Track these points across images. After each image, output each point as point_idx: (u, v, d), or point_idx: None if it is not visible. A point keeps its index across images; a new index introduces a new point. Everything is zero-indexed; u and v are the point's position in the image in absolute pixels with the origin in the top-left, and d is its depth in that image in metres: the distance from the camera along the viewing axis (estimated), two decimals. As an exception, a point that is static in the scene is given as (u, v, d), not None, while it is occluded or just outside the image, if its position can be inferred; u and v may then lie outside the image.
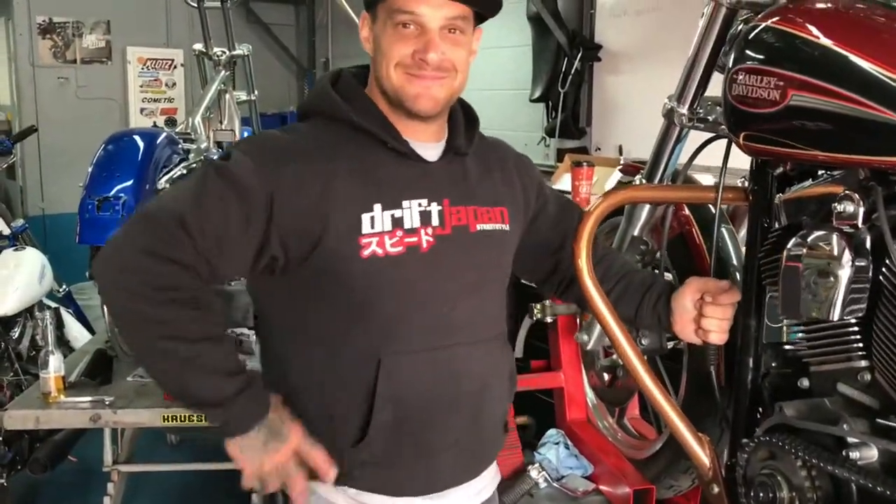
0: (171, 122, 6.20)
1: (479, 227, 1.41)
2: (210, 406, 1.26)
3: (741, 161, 1.57)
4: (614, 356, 2.12)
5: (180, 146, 2.89)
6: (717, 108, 1.65)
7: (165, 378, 1.28)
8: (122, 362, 2.90)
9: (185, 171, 2.80)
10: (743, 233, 1.93)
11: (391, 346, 1.33)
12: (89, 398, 2.60)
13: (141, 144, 2.59)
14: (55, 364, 2.61)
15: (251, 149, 1.32)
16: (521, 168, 1.56)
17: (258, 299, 1.43)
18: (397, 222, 1.32)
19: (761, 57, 1.27)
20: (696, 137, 1.72)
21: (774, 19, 1.28)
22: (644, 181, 1.77)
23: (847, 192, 1.20)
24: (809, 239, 1.21)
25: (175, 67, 6.36)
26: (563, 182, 4.05)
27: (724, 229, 1.83)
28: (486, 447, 1.49)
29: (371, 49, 1.37)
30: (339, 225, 1.29)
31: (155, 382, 1.31)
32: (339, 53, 6.49)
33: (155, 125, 6.30)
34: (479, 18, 1.40)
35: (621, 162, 3.83)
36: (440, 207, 1.37)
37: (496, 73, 4.74)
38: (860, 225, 1.18)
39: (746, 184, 1.86)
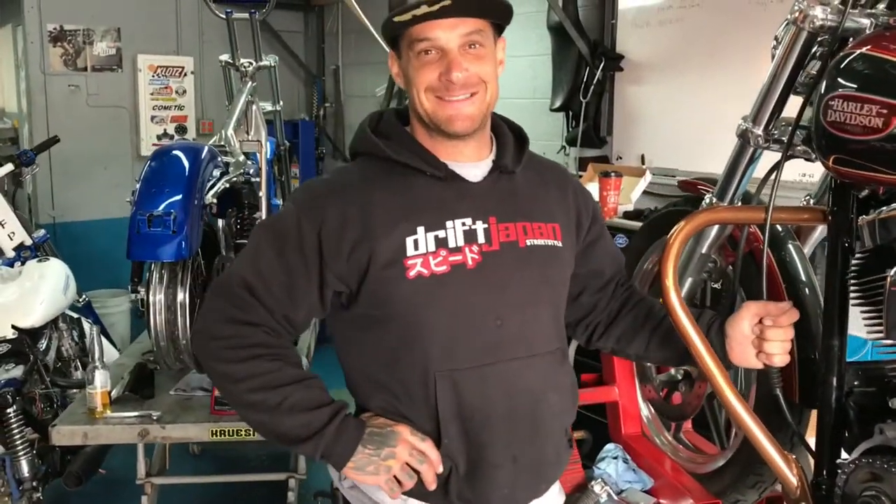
0: (181, 130, 6.25)
1: (528, 242, 1.44)
2: (306, 441, 1.34)
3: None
4: (672, 370, 2.14)
5: (220, 159, 2.89)
6: (789, 128, 1.67)
7: (263, 428, 1.37)
8: (163, 375, 2.91)
9: (227, 185, 2.80)
10: (807, 249, 1.97)
11: (443, 363, 1.37)
12: (136, 413, 2.61)
13: (186, 160, 2.59)
14: (101, 379, 2.62)
15: (298, 196, 1.44)
16: (579, 193, 1.58)
17: (335, 340, 1.50)
18: (441, 242, 1.37)
19: (861, 84, 1.29)
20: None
21: (870, 46, 1.31)
22: (715, 200, 1.78)
23: (951, 217, 1.23)
24: (915, 264, 1.23)
25: (185, 75, 6.33)
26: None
27: (791, 246, 1.85)
28: (548, 464, 1.50)
29: (403, 83, 1.42)
30: (385, 251, 1.35)
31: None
32: (349, 61, 6.49)
33: (166, 133, 6.34)
34: (499, 29, 1.43)
35: (647, 171, 3.88)
36: (486, 225, 1.41)
37: (515, 82, 4.75)
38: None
39: (811, 202, 1.91)
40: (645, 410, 2.27)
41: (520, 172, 1.48)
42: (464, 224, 1.39)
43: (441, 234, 1.37)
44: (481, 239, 1.39)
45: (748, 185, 1.79)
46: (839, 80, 1.33)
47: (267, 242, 1.39)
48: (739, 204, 1.78)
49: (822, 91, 1.36)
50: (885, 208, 1.43)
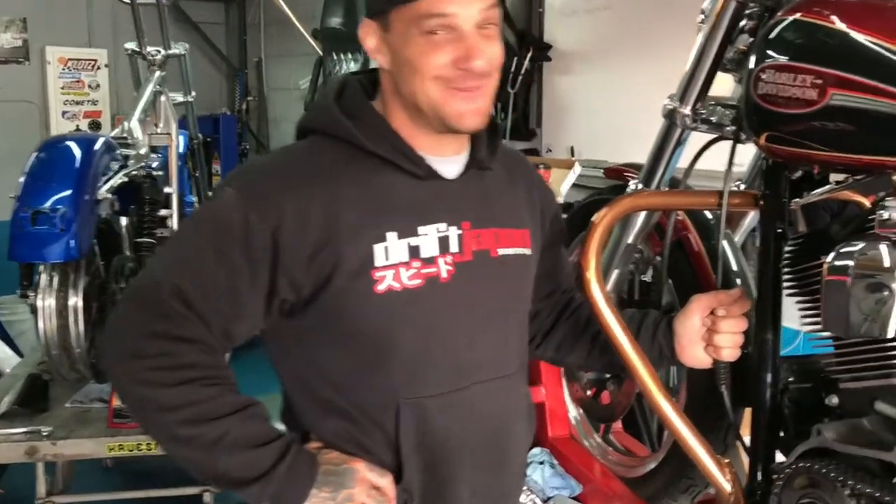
0: (95, 126, 5.93)
1: (500, 251, 1.28)
2: (251, 484, 1.13)
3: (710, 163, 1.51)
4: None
5: (118, 152, 2.68)
6: (719, 107, 1.57)
7: (197, 467, 1.16)
8: (59, 387, 2.68)
9: (125, 179, 2.59)
10: (737, 237, 1.87)
11: (409, 389, 1.20)
12: (24, 429, 2.39)
13: (78, 151, 2.38)
14: (-16, 393, 2.38)
15: (243, 183, 1.18)
16: (543, 190, 1.43)
17: (271, 349, 1.28)
18: (414, 251, 1.19)
19: (795, 53, 1.18)
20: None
21: (804, 12, 1.20)
22: (641, 186, 1.67)
23: (892, 198, 1.12)
24: (855, 250, 1.12)
25: (98, 68, 6.04)
26: (517, 185, 3.96)
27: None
28: (508, 496, 1.36)
29: (387, 62, 1.20)
30: (350, 259, 1.15)
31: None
32: (272, 53, 6.28)
33: (78, 129, 6.02)
34: None
35: (576, 163, 3.78)
36: (459, 231, 1.23)
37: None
38: (908, 233, 1.10)
39: (742, 187, 1.81)
40: (573, 411, 2.15)
41: (492, 168, 1.31)
42: (438, 230, 1.20)
43: (414, 241, 1.18)
44: (454, 247, 1.22)
45: (675, 169, 1.68)
46: (770, 50, 1.22)
47: (205, 239, 1.15)
48: (667, 189, 1.66)
49: (752, 63, 1.25)
50: (819, 190, 1.33)
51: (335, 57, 5.23)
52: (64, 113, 5.97)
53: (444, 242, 1.21)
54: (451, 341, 1.22)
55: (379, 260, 1.16)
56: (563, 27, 4.11)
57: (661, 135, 1.61)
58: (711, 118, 1.55)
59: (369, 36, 1.20)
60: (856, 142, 1.13)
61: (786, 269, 1.32)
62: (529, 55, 4.14)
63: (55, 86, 5.88)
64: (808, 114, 1.16)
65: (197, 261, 1.13)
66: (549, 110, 4.26)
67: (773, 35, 1.23)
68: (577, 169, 3.74)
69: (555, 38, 4.16)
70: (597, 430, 2.12)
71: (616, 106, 3.89)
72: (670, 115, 1.57)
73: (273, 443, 1.14)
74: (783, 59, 1.19)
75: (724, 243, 1.75)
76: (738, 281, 1.69)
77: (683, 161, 1.67)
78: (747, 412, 1.64)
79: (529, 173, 1.42)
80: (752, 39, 1.49)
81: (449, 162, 1.25)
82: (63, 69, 5.91)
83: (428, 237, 1.20)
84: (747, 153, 1.64)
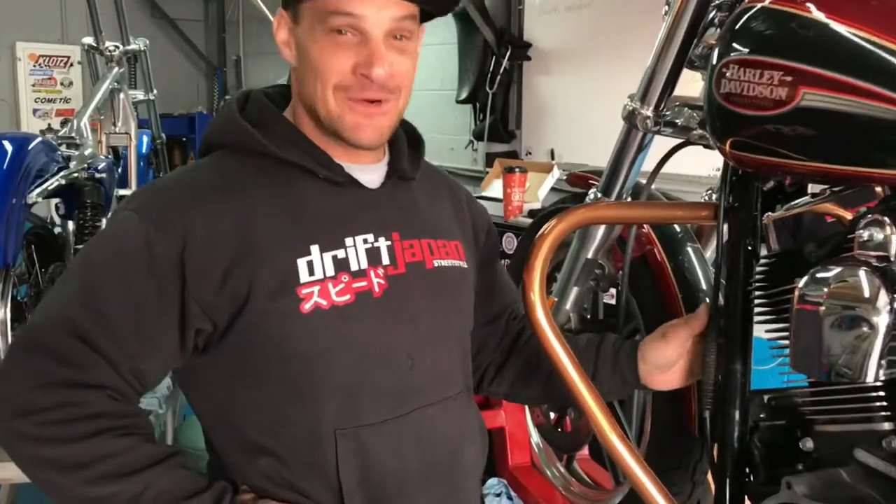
0: (66, 124, 5.77)
1: (435, 262, 1.17)
2: None
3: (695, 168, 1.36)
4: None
5: (59, 153, 2.51)
6: (686, 109, 1.41)
7: None
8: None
9: (63, 182, 2.42)
10: (709, 253, 1.71)
11: (345, 419, 1.08)
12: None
13: (8, 150, 2.21)
14: None
15: (142, 203, 1.07)
16: (472, 204, 1.33)
17: (186, 390, 1.15)
18: (341, 265, 1.08)
19: (761, 46, 1.02)
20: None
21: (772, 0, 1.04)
22: (600, 195, 1.50)
23: (874, 214, 0.96)
24: (829, 276, 0.96)
25: (71, 65, 5.89)
26: (494, 189, 3.80)
27: (690, 249, 1.59)
28: None
29: (293, 57, 1.10)
30: (270, 277, 1.03)
31: None
32: (251, 51, 6.12)
33: (50, 127, 5.86)
34: (424, 16, 1.12)
35: (555, 167, 3.63)
36: (389, 242, 1.13)
37: (421, 72, 4.44)
38: (893, 257, 0.94)
39: (712, 196, 1.65)
40: (535, 437, 1.99)
41: (416, 180, 1.22)
42: (365, 241, 1.11)
43: (340, 253, 1.08)
44: (385, 259, 1.12)
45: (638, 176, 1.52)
46: (734, 42, 1.06)
47: (103, 269, 1.02)
48: (628, 199, 1.50)
49: (714, 58, 1.09)
50: (794, 202, 1.17)
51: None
52: (35, 111, 5.82)
53: (373, 254, 1.11)
54: (389, 362, 1.11)
55: (303, 276, 1.05)
56: (543, 25, 3.96)
57: (620, 139, 1.45)
58: (676, 121, 1.39)
59: (281, 27, 1.11)
60: (831, 149, 0.98)
61: (757, 293, 1.16)
62: (508, 54, 3.99)
63: (26, 83, 5.73)
64: (775, 116, 1.00)
65: (96, 293, 1.00)
66: (529, 111, 4.11)
67: (738, 25, 1.07)
68: (556, 173, 3.60)
69: (534, 36, 4.01)
70: (559, 459, 1.96)
71: (598, 107, 3.72)
72: (630, 118, 1.41)
73: (204, 494, 1.03)
74: (747, 53, 1.03)
75: (692, 258, 1.60)
76: (705, 297, 1.54)
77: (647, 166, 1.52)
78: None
79: (454, 186, 1.33)
80: (718, 31, 1.34)
81: (367, 170, 1.15)
82: (34, 66, 5.76)
83: (355, 248, 1.10)
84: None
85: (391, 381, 1.10)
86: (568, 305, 1.62)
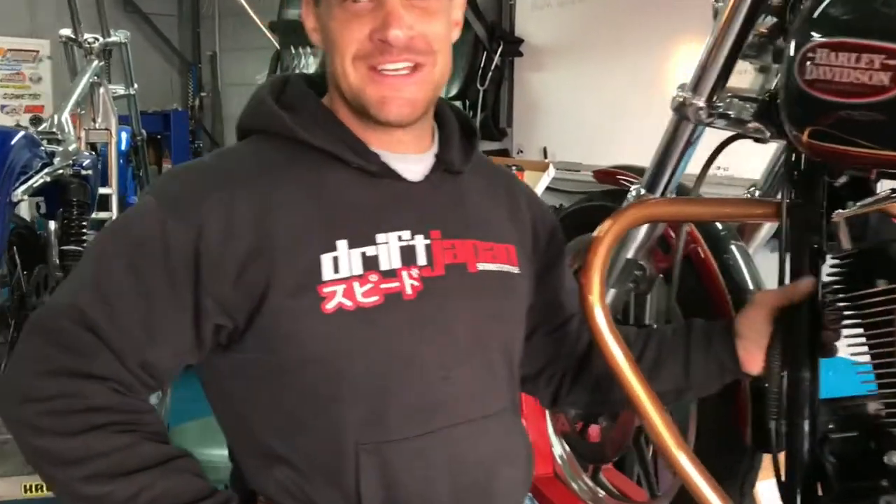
0: (36, 121, 5.56)
1: (480, 266, 1.07)
2: None
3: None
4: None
5: (43, 148, 2.38)
6: (737, 100, 1.33)
7: None
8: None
9: (48, 179, 2.29)
10: (751, 250, 1.64)
11: (369, 433, 0.99)
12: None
13: (-9, 145, 2.08)
14: None
15: (162, 188, 1.01)
16: (534, 204, 1.23)
17: (208, 391, 1.07)
18: (370, 263, 0.99)
19: (857, 28, 0.94)
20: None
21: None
22: (644, 192, 1.42)
23: None
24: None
25: (41, 60, 5.70)
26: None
27: (734, 247, 1.51)
28: None
29: (321, 41, 1.03)
30: (290, 272, 0.96)
31: None
32: (227, 47, 5.98)
33: (18, 125, 5.66)
34: None
35: (550, 165, 3.55)
36: (427, 241, 1.04)
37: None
38: None
39: (756, 193, 1.58)
40: (558, 448, 1.90)
41: (467, 174, 1.12)
42: (400, 238, 1.02)
43: (370, 251, 1.00)
44: (422, 260, 1.03)
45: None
46: (821, 24, 0.98)
47: (115, 255, 0.97)
48: (675, 196, 1.42)
49: (795, 43, 1.01)
50: (868, 200, 1.10)
51: (293, 51, 4.96)
52: (3, 107, 5.62)
53: (408, 253, 1.02)
54: (420, 372, 1.02)
55: (327, 273, 0.97)
56: (535, 21, 3.90)
57: (669, 132, 1.36)
58: (729, 112, 1.31)
59: (307, 15, 1.05)
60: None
61: (839, 296, 1.09)
62: (500, 50, 3.91)
63: (-8, 78, 5.54)
64: (875, 103, 0.92)
65: (106, 279, 0.95)
66: (521, 109, 4.04)
67: (822, 8, 0.99)
68: (552, 171, 3.51)
69: (526, 31, 3.94)
70: (585, 470, 1.87)
71: (591, 105, 3.69)
72: (680, 109, 1.32)
73: (205, 501, 0.95)
74: (840, 37, 0.95)
75: (738, 257, 1.52)
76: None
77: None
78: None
79: (514, 184, 1.24)
80: (774, 20, 1.27)
81: (410, 160, 1.06)
82: (1, 60, 5.56)
83: (388, 246, 1.01)
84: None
85: (420, 393, 1.02)
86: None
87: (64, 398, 0.91)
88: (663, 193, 1.42)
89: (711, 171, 1.42)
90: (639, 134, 3.72)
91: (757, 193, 1.54)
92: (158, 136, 5.47)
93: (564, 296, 1.25)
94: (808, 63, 0.99)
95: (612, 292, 1.54)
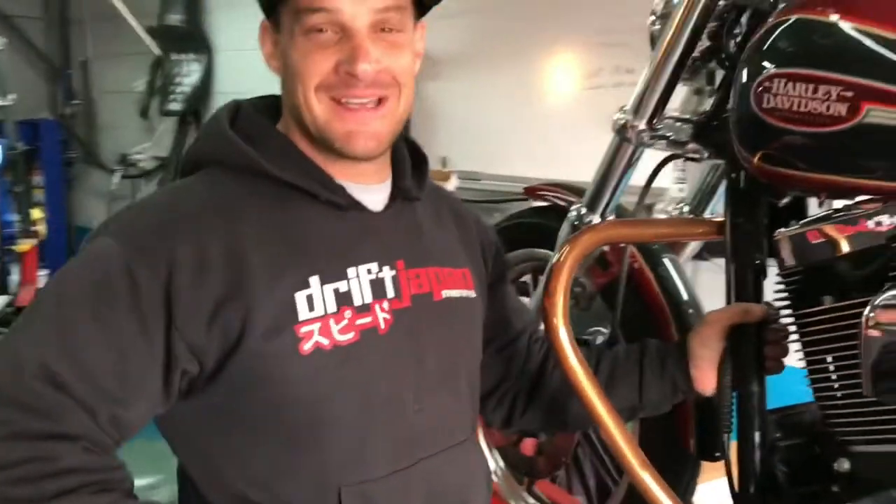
0: None
1: (444, 293, 1.08)
2: None
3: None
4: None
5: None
6: (677, 123, 1.38)
7: None
8: None
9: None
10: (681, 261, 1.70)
11: (351, 473, 0.98)
12: None
13: None
14: None
15: (121, 229, 0.96)
16: (479, 224, 1.25)
17: (169, 436, 1.02)
18: (343, 299, 0.97)
19: (815, 60, 0.99)
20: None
21: (816, 10, 1.01)
22: (584, 211, 1.45)
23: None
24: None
25: None
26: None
27: (667, 260, 1.56)
28: None
29: (279, 68, 1.01)
30: (265, 314, 0.92)
31: None
32: (100, 53, 5.67)
33: None
34: (420, 9, 1.06)
35: (453, 175, 3.57)
36: (394, 272, 1.03)
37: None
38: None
39: (684, 209, 1.63)
40: (492, 462, 1.90)
41: (420, 201, 1.13)
42: (369, 271, 1.01)
43: (342, 286, 0.98)
44: (390, 292, 1.02)
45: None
46: (779, 55, 1.03)
47: (77, 303, 0.90)
48: (613, 217, 1.45)
49: (749, 71, 1.06)
50: (810, 219, 1.15)
51: (175, 57, 4.78)
52: None
53: (378, 286, 1.01)
54: (396, 407, 1.01)
55: (302, 312, 0.95)
56: (432, 30, 3.88)
57: (610, 153, 1.39)
58: (669, 134, 1.36)
59: (265, 39, 1.04)
60: (892, 166, 0.96)
61: (788, 312, 1.14)
62: (396, 59, 3.89)
63: None
64: (832, 133, 0.97)
65: (69, 331, 0.89)
66: (419, 118, 4.01)
67: (779, 38, 1.04)
68: (455, 181, 3.54)
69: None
70: (520, 483, 1.89)
71: (489, 114, 3.72)
72: (622, 131, 1.36)
73: None
74: (797, 68, 1.00)
75: (671, 270, 1.58)
76: (691, 311, 1.52)
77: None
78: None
79: (458, 206, 1.25)
80: (708, 44, 1.32)
81: (372, 190, 1.06)
82: None
83: (358, 280, 1.00)
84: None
85: (398, 428, 1.01)
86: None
87: (35, 462, 0.85)
88: (604, 213, 1.46)
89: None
90: (538, 143, 3.81)
91: (686, 209, 1.60)
92: (28, 148, 5.12)
93: (510, 313, 1.28)
94: (765, 92, 1.03)
95: (552, 310, 1.56)
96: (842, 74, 0.95)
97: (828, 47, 0.98)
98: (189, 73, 4.79)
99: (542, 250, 1.68)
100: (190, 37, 4.69)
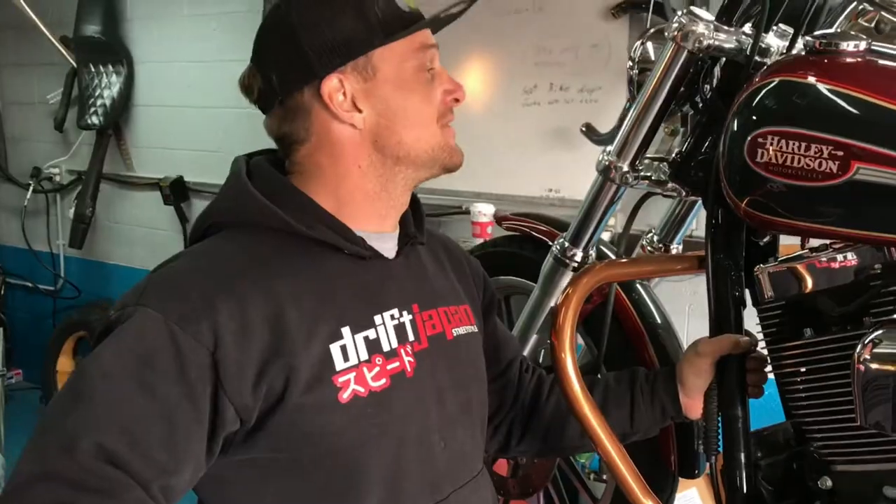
0: None
1: (454, 332, 1.14)
2: None
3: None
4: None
5: None
6: (654, 163, 1.46)
7: None
8: None
9: None
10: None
11: None
12: None
13: None
14: None
15: (159, 298, 0.95)
16: (467, 258, 1.31)
17: (200, 491, 1.02)
18: (374, 346, 1.02)
19: (805, 120, 1.08)
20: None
21: (814, 74, 1.10)
22: (567, 244, 1.52)
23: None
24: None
25: None
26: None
27: (640, 286, 1.65)
28: None
29: (370, 116, 1.04)
30: (306, 368, 0.95)
31: None
32: (8, 61, 5.42)
33: None
34: None
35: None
36: (411, 316, 1.09)
37: (225, 89, 4.20)
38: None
39: (654, 239, 1.72)
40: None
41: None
42: (392, 317, 1.06)
43: (371, 334, 1.02)
44: (411, 336, 1.08)
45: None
46: (768, 114, 1.11)
47: (122, 376, 0.89)
48: (594, 253, 1.53)
49: (742, 124, 1.14)
50: (790, 256, 1.25)
51: (92, 69, 4.62)
52: None
53: (401, 331, 1.06)
54: (426, 446, 1.06)
55: (339, 363, 0.98)
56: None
57: (593, 191, 1.46)
58: (650, 174, 1.44)
59: (338, 92, 1.03)
60: (879, 219, 1.06)
61: (770, 347, 1.23)
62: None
63: None
64: (823, 187, 1.07)
65: (120, 405, 0.89)
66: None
67: (771, 97, 1.12)
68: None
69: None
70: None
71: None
72: (606, 172, 1.43)
73: None
74: (791, 127, 1.09)
75: (644, 296, 1.67)
76: (667, 334, 1.62)
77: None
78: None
79: (448, 242, 1.31)
80: (683, 90, 1.40)
81: (385, 239, 1.11)
82: None
83: (384, 326, 1.04)
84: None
85: (429, 466, 1.06)
86: (526, 351, 1.62)
87: None
88: (586, 247, 1.53)
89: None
90: (471, 158, 3.85)
91: (655, 239, 1.69)
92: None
93: (501, 343, 1.34)
94: (758, 147, 1.11)
95: (534, 338, 1.63)
96: (832, 135, 1.04)
97: (822, 109, 1.06)
98: (108, 86, 4.65)
99: (523, 280, 1.74)
100: (108, 48, 4.55)
